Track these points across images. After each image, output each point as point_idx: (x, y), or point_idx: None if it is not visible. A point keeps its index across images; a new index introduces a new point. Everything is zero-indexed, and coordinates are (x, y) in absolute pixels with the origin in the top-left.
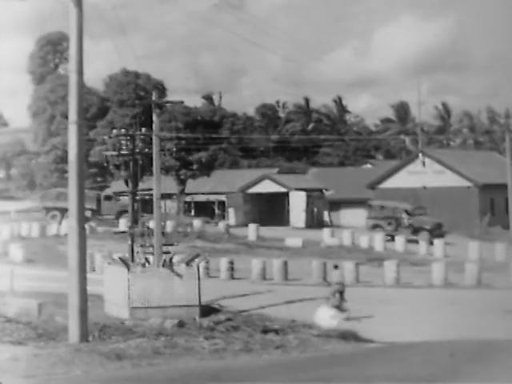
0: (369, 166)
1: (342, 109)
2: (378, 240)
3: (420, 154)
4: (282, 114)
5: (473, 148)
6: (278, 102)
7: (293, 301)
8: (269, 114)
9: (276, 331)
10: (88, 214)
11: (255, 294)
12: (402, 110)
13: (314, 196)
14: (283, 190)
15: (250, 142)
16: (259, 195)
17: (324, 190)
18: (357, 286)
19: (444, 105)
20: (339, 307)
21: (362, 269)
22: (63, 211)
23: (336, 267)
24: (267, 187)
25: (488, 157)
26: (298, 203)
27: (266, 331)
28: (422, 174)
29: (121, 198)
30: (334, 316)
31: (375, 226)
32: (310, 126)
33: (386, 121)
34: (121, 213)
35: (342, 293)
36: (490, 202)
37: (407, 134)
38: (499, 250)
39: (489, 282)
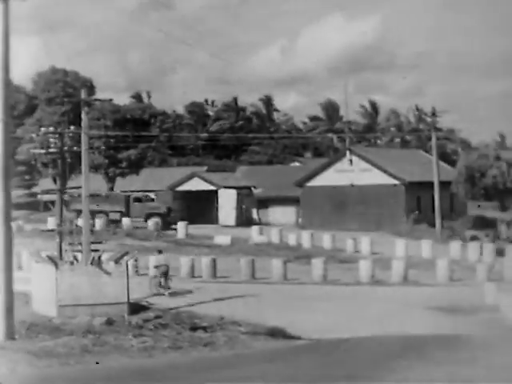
0: (297, 164)
1: (271, 107)
2: (306, 237)
3: (347, 152)
4: (211, 112)
5: (400, 146)
6: (206, 100)
7: (221, 298)
8: (198, 112)
9: (204, 329)
10: (117, 216)
11: (184, 292)
12: (330, 109)
13: (243, 194)
14: (212, 187)
15: (179, 140)
16: (188, 193)
17: (253, 188)
18: (284, 284)
19: (371, 103)
20: (163, 285)
21: (289, 266)
22: (93, 214)
23: (160, 252)
24: (196, 185)
25: (415, 155)
26: (227, 201)
27: (194, 329)
28: (349, 172)
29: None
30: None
31: None
32: (239, 124)
33: (315, 119)
34: (150, 215)
35: (166, 273)
36: (417, 199)
37: (335, 132)
38: (425, 247)
39: (415, 278)
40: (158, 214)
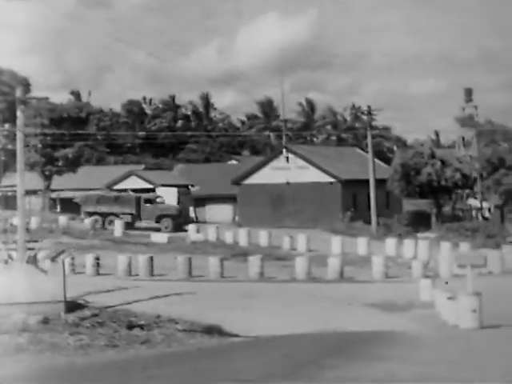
0: (234, 162)
1: (208, 105)
2: (243, 235)
3: (284, 150)
4: (148, 111)
5: (336, 144)
6: (144, 99)
7: (158, 296)
8: (135, 111)
9: (141, 326)
10: (128, 218)
11: (121, 290)
12: (267, 107)
13: (180, 192)
14: (149, 186)
15: (116, 139)
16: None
17: (190, 186)
18: (221, 281)
19: (308, 101)
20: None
21: (226, 264)
22: (105, 216)
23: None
24: (133, 183)
25: (351, 153)
26: (166, 199)
27: (131, 327)
28: (285, 170)
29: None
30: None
31: None
32: (178, 123)
33: (252, 117)
34: (161, 217)
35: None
36: (353, 197)
37: (272, 130)
38: (361, 244)
39: (351, 275)
40: (169, 216)
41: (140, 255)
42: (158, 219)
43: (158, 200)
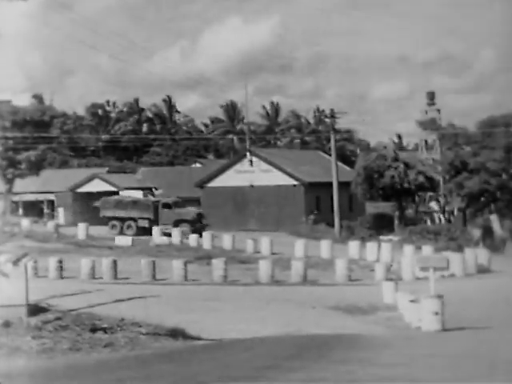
0: (198, 165)
1: (172, 108)
2: (207, 238)
3: (247, 153)
4: (112, 114)
5: (299, 147)
6: (108, 102)
7: (122, 299)
8: (99, 114)
9: (105, 330)
10: (145, 223)
11: (84, 293)
12: (231, 110)
13: (144, 195)
14: (113, 189)
15: (80, 142)
16: (89, 194)
17: (153, 189)
18: (185, 284)
19: (272, 104)
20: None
21: (190, 267)
22: (123, 220)
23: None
24: (97, 186)
25: (314, 156)
26: None
27: (94, 330)
28: (249, 173)
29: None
30: None
31: None
32: (142, 127)
33: (216, 121)
34: (178, 222)
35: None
36: (316, 200)
37: (236, 133)
38: (324, 247)
39: (314, 278)
40: (187, 221)
41: (104, 258)
42: (176, 224)
43: (177, 204)
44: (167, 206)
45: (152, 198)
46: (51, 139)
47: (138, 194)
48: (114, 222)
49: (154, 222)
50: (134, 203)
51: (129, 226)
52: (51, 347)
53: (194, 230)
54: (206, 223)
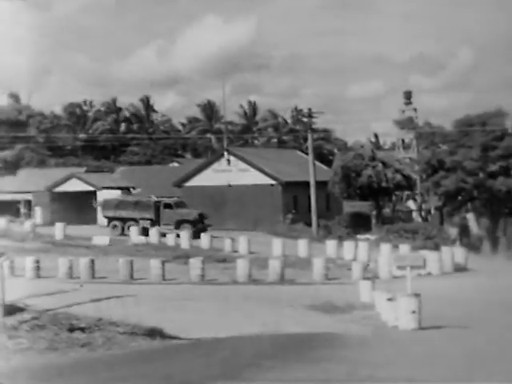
0: (176, 164)
1: (149, 108)
2: (184, 237)
3: (225, 153)
4: (89, 113)
5: (277, 146)
6: (85, 101)
7: (100, 299)
8: (76, 113)
9: (82, 329)
10: (147, 224)
11: (62, 293)
12: (209, 109)
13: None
14: (91, 188)
15: (57, 141)
16: (67, 194)
17: (131, 189)
18: (162, 284)
19: (250, 104)
20: None
21: (168, 266)
22: (124, 221)
23: None
24: (75, 186)
25: (291, 155)
26: None
27: (72, 329)
28: (227, 172)
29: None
30: None
31: None
32: (120, 126)
33: (193, 120)
34: (180, 222)
35: None
36: (294, 199)
37: (214, 132)
38: (302, 246)
39: (291, 277)
40: (189, 221)
41: (81, 258)
42: (178, 225)
43: (180, 204)
44: (169, 206)
45: (154, 199)
46: (28, 138)
47: (116, 194)
48: (116, 223)
49: (156, 222)
50: (136, 203)
51: (130, 227)
52: (28, 347)
53: (196, 231)
54: (208, 224)
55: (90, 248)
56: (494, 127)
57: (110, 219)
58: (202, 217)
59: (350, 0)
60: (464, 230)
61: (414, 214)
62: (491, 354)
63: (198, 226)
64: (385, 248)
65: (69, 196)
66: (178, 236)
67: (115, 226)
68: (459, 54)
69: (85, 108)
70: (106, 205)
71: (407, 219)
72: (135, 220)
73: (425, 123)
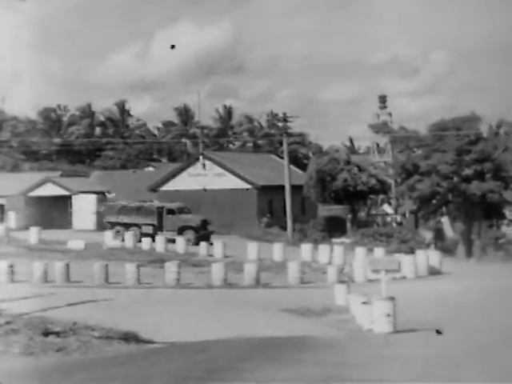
0: (151, 168)
1: (125, 112)
2: (159, 242)
3: (200, 157)
4: (64, 118)
5: (252, 151)
6: (59, 105)
7: (75, 303)
8: (51, 117)
9: (57, 334)
10: (149, 229)
11: (36, 297)
12: (185, 114)
13: (98, 199)
14: (66, 192)
15: (32, 145)
16: (41, 198)
17: (106, 193)
18: (138, 288)
19: (225, 108)
20: None
21: (143, 270)
22: (127, 226)
23: None
24: (50, 190)
25: (267, 159)
26: (84, 206)
27: (46, 334)
28: (202, 176)
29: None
30: None
31: None
32: (95, 130)
33: (169, 124)
34: (183, 228)
35: None
36: (269, 203)
37: (189, 137)
38: (277, 250)
39: (267, 281)
40: (192, 227)
41: (56, 262)
42: (181, 231)
43: (183, 210)
44: (172, 211)
45: (156, 204)
46: (1, 143)
47: (91, 198)
48: (118, 228)
49: (159, 228)
50: (138, 209)
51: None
52: (3, 351)
53: (199, 237)
54: (211, 230)
55: (65, 252)
56: (468, 131)
57: (113, 225)
58: (205, 223)
59: (325, 3)
60: (439, 234)
61: (389, 218)
62: (463, 357)
63: (201, 232)
64: (360, 252)
65: (44, 200)
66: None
67: (118, 232)
68: (434, 57)
69: (59, 112)
70: (109, 210)
71: (382, 223)
72: (138, 226)
73: (399, 127)
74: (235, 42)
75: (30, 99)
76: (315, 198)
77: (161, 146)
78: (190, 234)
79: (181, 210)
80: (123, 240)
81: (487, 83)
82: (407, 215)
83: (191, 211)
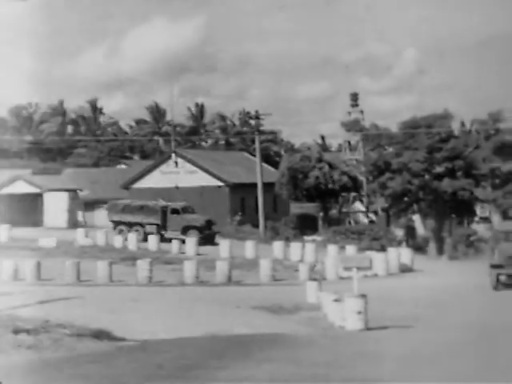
0: (123, 166)
1: (97, 110)
2: (132, 239)
3: (173, 155)
4: (35, 116)
5: (224, 148)
6: (31, 103)
7: (46, 301)
8: (22, 115)
9: (28, 331)
10: (153, 229)
11: (7, 295)
12: (157, 112)
13: (69, 196)
14: (37, 190)
15: (2, 143)
16: (12, 196)
17: (78, 191)
18: (110, 286)
19: (197, 106)
20: None
21: (115, 268)
22: (130, 225)
23: None
24: (21, 188)
25: (239, 157)
26: (56, 204)
27: (17, 332)
28: (174, 174)
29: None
30: None
31: None
32: (66, 128)
33: (141, 122)
34: (187, 228)
35: None
36: (241, 201)
37: (161, 135)
38: (249, 247)
39: (239, 279)
40: (196, 227)
41: (27, 260)
42: (185, 231)
43: (188, 210)
44: (176, 211)
45: (161, 203)
46: None
47: (63, 196)
48: (122, 227)
49: (162, 227)
50: (141, 208)
51: (136, 231)
52: None
53: (203, 237)
54: (216, 230)
55: (36, 250)
56: (439, 129)
57: (116, 223)
58: (209, 223)
59: (297, 1)
60: (410, 231)
61: (361, 216)
62: (433, 353)
63: (206, 233)
64: (331, 249)
65: (14, 198)
66: (183, 242)
67: (121, 231)
68: (405, 55)
69: (30, 110)
70: (112, 209)
71: (354, 220)
72: (141, 225)
73: (371, 125)
74: (207, 40)
75: (0, 97)
76: (287, 196)
77: (133, 144)
78: (194, 234)
79: (185, 210)
80: (126, 239)
81: (460, 82)
82: (379, 213)
83: (195, 211)
